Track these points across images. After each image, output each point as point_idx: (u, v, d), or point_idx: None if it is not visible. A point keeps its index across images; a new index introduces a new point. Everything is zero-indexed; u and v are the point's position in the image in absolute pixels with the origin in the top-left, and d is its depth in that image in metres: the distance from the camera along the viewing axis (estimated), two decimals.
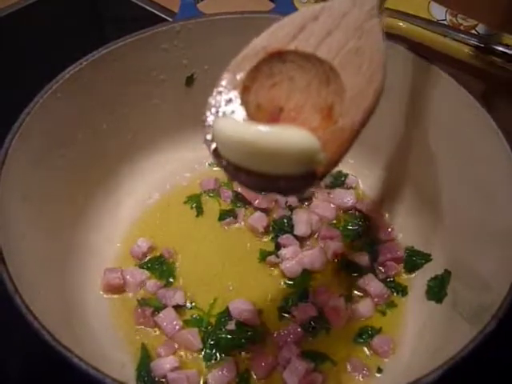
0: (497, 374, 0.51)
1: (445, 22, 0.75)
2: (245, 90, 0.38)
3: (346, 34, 0.38)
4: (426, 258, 0.56)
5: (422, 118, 0.57)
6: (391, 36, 0.60)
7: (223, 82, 0.38)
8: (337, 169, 0.64)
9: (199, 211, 0.62)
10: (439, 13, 0.77)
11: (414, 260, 0.57)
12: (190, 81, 0.62)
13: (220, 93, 0.39)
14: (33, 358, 0.54)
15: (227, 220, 0.61)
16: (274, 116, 0.38)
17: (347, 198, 0.61)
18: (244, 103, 0.38)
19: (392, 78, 0.57)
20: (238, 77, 0.38)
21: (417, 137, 0.58)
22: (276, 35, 0.38)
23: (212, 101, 0.39)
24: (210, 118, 0.39)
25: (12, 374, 0.54)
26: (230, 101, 0.38)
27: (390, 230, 0.60)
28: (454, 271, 0.53)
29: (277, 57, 0.38)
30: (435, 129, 0.56)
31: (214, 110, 0.39)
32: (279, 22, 0.39)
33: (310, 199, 0.62)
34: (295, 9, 0.73)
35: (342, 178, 0.64)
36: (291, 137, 0.34)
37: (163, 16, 0.85)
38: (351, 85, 0.37)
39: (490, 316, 0.39)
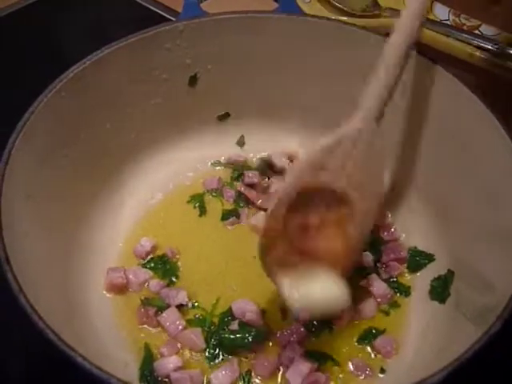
0: (502, 375, 0.51)
1: (448, 22, 0.75)
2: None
3: (356, 163, 0.46)
4: (430, 258, 0.56)
5: (424, 117, 0.56)
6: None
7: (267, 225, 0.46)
8: None
9: (202, 211, 0.62)
10: (442, 13, 0.77)
11: (418, 260, 0.57)
12: (193, 80, 0.62)
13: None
14: (34, 358, 0.54)
15: (230, 220, 0.61)
16: (306, 233, 0.47)
17: None
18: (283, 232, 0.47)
19: None
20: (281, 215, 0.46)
21: (419, 137, 0.58)
22: (302, 174, 0.46)
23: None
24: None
25: (13, 375, 0.54)
26: None
27: (393, 230, 0.60)
28: (457, 271, 0.53)
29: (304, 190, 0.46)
30: (438, 129, 0.56)
31: None
32: (303, 158, 0.48)
33: None
34: (298, 8, 0.73)
35: None
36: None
37: (166, 16, 0.85)
38: (360, 206, 0.46)
39: (494, 317, 0.39)
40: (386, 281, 0.55)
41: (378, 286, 0.55)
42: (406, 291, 0.55)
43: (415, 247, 0.58)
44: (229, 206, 0.62)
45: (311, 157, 0.46)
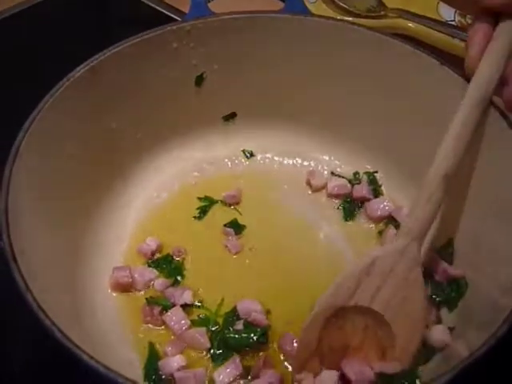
0: (509, 378, 0.51)
1: (453, 23, 0.75)
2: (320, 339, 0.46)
3: (394, 286, 0.45)
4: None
5: (431, 119, 0.56)
6: (400, 36, 0.61)
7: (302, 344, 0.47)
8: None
9: (208, 210, 0.62)
10: (448, 13, 0.77)
11: None
12: (199, 80, 0.62)
13: None
14: (39, 357, 0.54)
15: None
16: (343, 352, 0.47)
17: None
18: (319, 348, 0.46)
19: (402, 77, 0.58)
20: (313, 335, 0.46)
21: (427, 137, 0.57)
22: (338, 293, 0.45)
23: None
24: None
25: (19, 373, 0.54)
26: None
27: None
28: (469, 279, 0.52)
29: (341, 311, 0.46)
30: (445, 129, 0.56)
31: None
32: (339, 278, 0.46)
33: None
34: (305, 8, 0.73)
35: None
36: None
37: (173, 16, 0.85)
38: (400, 334, 0.45)
39: (502, 319, 0.39)
40: None
41: None
42: None
43: None
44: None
45: (349, 273, 0.45)
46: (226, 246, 0.59)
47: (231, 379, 0.49)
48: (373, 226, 0.61)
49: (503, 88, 0.48)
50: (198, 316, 0.54)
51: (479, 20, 0.49)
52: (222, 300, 0.54)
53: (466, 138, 0.48)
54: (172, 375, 0.49)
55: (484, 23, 0.49)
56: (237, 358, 0.50)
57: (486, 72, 0.48)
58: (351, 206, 0.62)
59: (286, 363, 0.50)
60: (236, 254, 0.59)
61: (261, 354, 0.51)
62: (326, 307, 0.45)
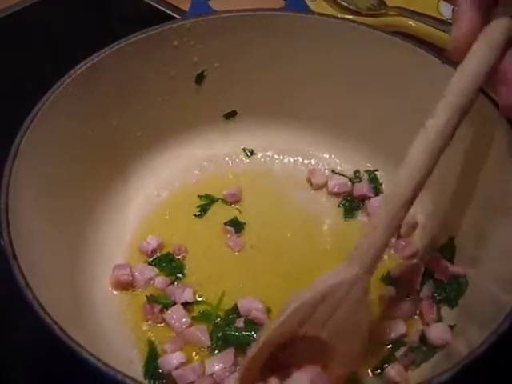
0: (510, 376, 0.51)
1: None
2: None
3: (344, 314, 0.44)
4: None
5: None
6: (401, 34, 0.61)
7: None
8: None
9: (208, 208, 0.62)
10: (448, 11, 0.77)
11: None
12: (200, 78, 0.62)
13: None
14: (39, 355, 0.54)
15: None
16: (284, 365, 0.46)
17: None
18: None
19: (402, 76, 0.58)
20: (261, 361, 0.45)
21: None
22: (288, 324, 0.44)
23: None
24: None
25: (18, 372, 0.54)
26: None
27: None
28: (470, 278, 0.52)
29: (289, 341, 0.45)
30: None
31: None
32: (291, 307, 0.44)
33: None
34: (306, 6, 0.73)
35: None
36: None
37: (173, 14, 0.85)
38: (342, 354, 0.45)
39: (503, 316, 0.39)
40: None
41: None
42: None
43: None
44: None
45: (307, 300, 0.44)
46: (227, 245, 0.59)
47: (221, 367, 0.49)
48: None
49: (501, 88, 0.44)
50: (199, 312, 0.54)
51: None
52: (223, 294, 0.54)
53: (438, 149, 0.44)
54: (171, 373, 0.49)
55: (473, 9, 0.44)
56: (231, 351, 0.50)
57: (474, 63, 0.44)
58: (352, 205, 0.62)
59: None
60: (236, 252, 0.59)
61: None
62: (276, 337, 0.44)
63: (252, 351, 0.45)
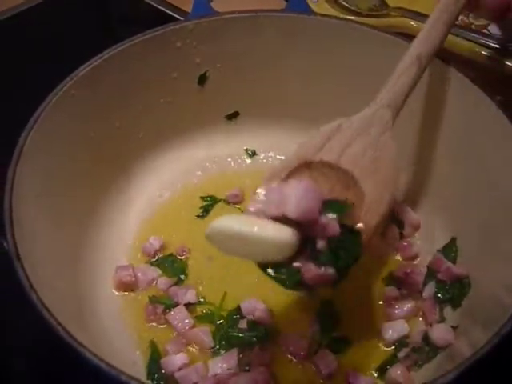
0: None
1: (456, 22, 0.75)
2: None
3: (364, 145, 0.43)
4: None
5: (434, 116, 0.57)
6: (402, 35, 0.61)
7: (261, 190, 0.42)
8: None
9: (211, 209, 0.62)
10: None
11: None
12: (202, 79, 0.62)
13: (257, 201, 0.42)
14: (39, 355, 0.54)
15: None
16: None
17: None
18: None
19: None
20: (274, 185, 0.43)
21: (430, 136, 0.58)
22: (305, 148, 0.44)
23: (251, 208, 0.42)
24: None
25: (21, 372, 0.55)
26: None
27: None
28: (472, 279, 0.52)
29: (306, 167, 0.44)
30: (448, 127, 0.56)
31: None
32: (308, 137, 0.45)
33: None
34: (308, 7, 0.73)
35: None
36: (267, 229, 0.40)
37: (175, 16, 0.85)
38: (369, 192, 0.43)
39: (506, 317, 0.39)
40: None
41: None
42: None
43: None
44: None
45: (314, 137, 0.45)
46: None
47: (224, 369, 0.49)
48: None
49: None
50: (202, 312, 0.54)
51: None
52: (225, 295, 0.54)
53: (443, 25, 0.49)
54: (174, 374, 0.49)
55: None
56: (235, 352, 0.50)
57: None
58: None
59: (292, 363, 0.51)
60: None
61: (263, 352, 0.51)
62: (289, 161, 0.44)
63: (270, 171, 0.45)
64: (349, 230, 0.41)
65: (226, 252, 0.41)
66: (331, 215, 0.40)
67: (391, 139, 0.45)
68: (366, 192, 0.43)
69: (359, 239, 0.41)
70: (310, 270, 0.40)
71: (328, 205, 0.40)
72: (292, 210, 0.38)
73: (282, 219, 0.39)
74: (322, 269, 0.39)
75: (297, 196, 0.39)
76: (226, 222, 0.40)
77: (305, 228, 0.39)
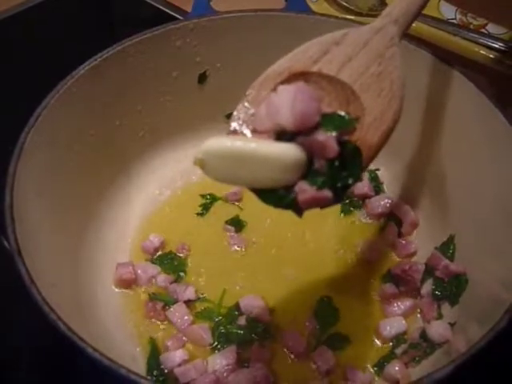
0: (509, 372, 0.51)
1: (454, 21, 0.75)
2: None
3: (367, 59, 0.40)
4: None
5: (433, 115, 0.57)
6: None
7: (247, 99, 0.40)
8: None
9: (210, 207, 0.62)
10: (449, 11, 0.77)
11: None
12: (202, 78, 0.63)
13: (243, 108, 0.39)
14: (42, 353, 0.55)
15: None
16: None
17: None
18: None
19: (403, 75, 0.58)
20: (262, 94, 0.39)
21: (429, 135, 0.58)
22: (299, 57, 0.40)
23: (235, 114, 0.39)
24: (233, 126, 0.39)
25: (21, 368, 0.55)
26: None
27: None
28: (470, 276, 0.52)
29: (300, 77, 0.40)
30: (447, 126, 0.56)
31: (236, 123, 0.39)
32: (303, 44, 0.41)
33: None
34: (307, 6, 0.73)
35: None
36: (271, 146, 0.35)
37: (176, 15, 0.85)
38: (371, 108, 0.39)
39: (502, 312, 0.39)
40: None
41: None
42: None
43: None
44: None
45: (314, 41, 0.41)
46: (229, 243, 0.59)
47: (223, 366, 0.49)
48: (373, 222, 0.61)
49: None
50: (201, 309, 0.54)
51: None
52: (224, 292, 0.55)
53: None
54: (173, 370, 0.49)
55: None
56: (234, 348, 0.50)
57: None
58: (352, 203, 0.62)
59: (291, 359, 0.51)
60: (238, 250, 0.59)
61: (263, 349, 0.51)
62: (276, 73, 0.40)
63: (266, 73, 0.40)
64: (349, 149, 0.37)
65: (220, 179, 0.36)
66: (330, 133, 0.36)
67: (397, 55, 0.41)
68: (367, 109, 0.39)
69: (360, 159, 0.37)
70: (306, 191, 0.35)
71: (327, 119, 0.36)
72: (287, 117, 0.34)
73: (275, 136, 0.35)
74: (319, 191, 0.35)
75: (290, 99, 0.34)
76: (223, 141, 0.35)
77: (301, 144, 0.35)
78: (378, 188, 0.63)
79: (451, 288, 0.52)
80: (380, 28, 0.42)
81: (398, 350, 0.51)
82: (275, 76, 0.40)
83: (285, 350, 0.51)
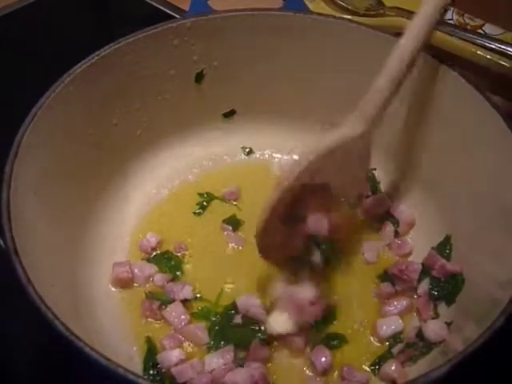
0: (508, 371, 0.51)
1: (451, 22, 0.75)
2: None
3: (349, 164, 0.51)
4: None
5: (430, 115, 0.57)
6: (398, 35, 0.61)
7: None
8: None
9: (207, 206, 0.62)
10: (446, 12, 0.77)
11: None
12: (199, 77, 0.63)
13: None
14: (39, 351, 0.54)
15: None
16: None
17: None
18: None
19: None
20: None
21: (426, 135, 0.58)
22: (306, 172, 0.49)
23: None
24: None
25: (18, 367, 0.55)
26: None
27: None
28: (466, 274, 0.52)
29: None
30: (441, 127, 0.56)
31: None
32: (302, 156, 0.50)
33: None
34: (304, 6, 0.74)
35: None
36: None
37: (173, 14, 0.85)
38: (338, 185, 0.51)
39: (498, 312, 0.39)
40: None
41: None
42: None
43: None
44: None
45: (311, 160, 0.48)
46: (226, 242, 0.59)
47: (220, 365, 0.49)
48: (370, 221, 0.61)
49: None
50: (198, 309, 0.54)
51: None
52: (221, 291, 0.55)
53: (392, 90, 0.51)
54: (170, 370, 0.49)
55: None
56: (231, 348, 0.50)
57: None
58: (349, 203, 0.62)
59: (287, 359, 0.51)
60: (235, 249, 0.59)
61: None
62: (293, 181, 0.49)
63: (270, 200, 0.49)
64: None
65: None
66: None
67: (369, 158, 0.53)
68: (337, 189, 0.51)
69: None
70: None
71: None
72: None
73: None
74: None
75: None
76: None
77: None
78: (374, 188, 0.63)
79: (448, 287, 0.53)
80: (361, 139, 0.51)
81: (395, 350, 0.51)
82: (286, 196, 0.50)
83: (281, 349, 0.52)
